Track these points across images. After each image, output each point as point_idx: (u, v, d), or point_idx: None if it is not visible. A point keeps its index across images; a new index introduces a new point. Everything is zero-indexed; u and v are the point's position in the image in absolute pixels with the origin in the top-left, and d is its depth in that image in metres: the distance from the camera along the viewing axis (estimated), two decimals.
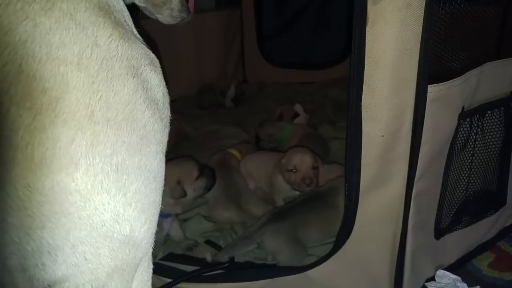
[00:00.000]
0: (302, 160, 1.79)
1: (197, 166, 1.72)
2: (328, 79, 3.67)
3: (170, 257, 1.71)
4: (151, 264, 0.81)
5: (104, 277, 0.66)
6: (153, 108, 0.71)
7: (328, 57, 3.79)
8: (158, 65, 0.80)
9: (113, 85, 0.64)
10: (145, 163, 0.69)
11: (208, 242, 1.79)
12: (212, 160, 2.15)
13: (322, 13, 3.74)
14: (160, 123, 0.73)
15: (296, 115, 2.78)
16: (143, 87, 0.70)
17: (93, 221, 0.63)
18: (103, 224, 0.64)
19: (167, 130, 0.77)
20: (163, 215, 1.57)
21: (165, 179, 1.57)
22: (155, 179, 0.72)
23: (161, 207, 1.57)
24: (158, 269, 1.51)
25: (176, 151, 2.47)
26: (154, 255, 1.62)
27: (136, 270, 0.73)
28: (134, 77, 0.68)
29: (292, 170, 1.80)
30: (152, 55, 0.78)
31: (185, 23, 1.11)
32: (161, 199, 0.77)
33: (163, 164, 0.76)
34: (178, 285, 1.51)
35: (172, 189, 1.60)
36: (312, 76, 3.82)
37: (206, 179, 1.75)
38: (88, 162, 0.61)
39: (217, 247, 1.75)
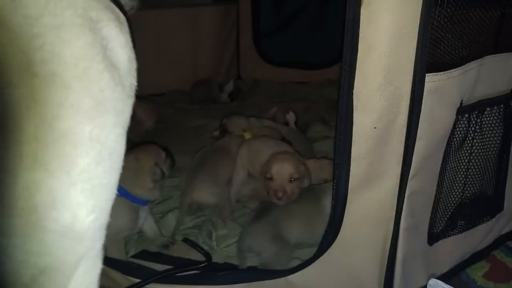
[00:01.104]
0: (279, 170, 1.62)
1: (160, 147, 1.71)
2: (324, 79, 3.62)
3: (144, 255, 1.61)
4: (99, 262, 0.67)
5: (28, 279, 0.54)
6: (113, 71, 0.61)
7: (324, 57, 3.72)
8: (126, 24, 0.69)
9: (62, 34, 0.54)
10: (99, 135, 0.57)
11: (186, 240, 1.68)
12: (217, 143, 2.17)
13: (320, 13, 3.68)
14: (122, 91, 0.62)
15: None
16: (102, 44, 0.59)
17: (19, 205, 0.52)
18: (34, 210, 0.53)
19: (130, 101, 0.66)
20: (141, 202, 1.53)
21: (141, 165, 1.53)
22: (110, 156, 0.60)
23: (141, 193, 1.51)
24: (126, 268, 1.42)
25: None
26: (125, 251, 1.56)
27: (75, 270, 0.61)
28: (91, 31, 0.57)
29: (269, 178, 1.65)
30: (120, 13, 0.68)
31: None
32: (117, 183, 0.65)
33: (123, 141, 0.64)
34: (149, 286, 1.40)
35: (152, 172, 1.55)
36: (308, 75, 3.75)
37: (170, 157, 1.74)
38: None
39: (196, 246, 1.64)
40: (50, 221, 0.55)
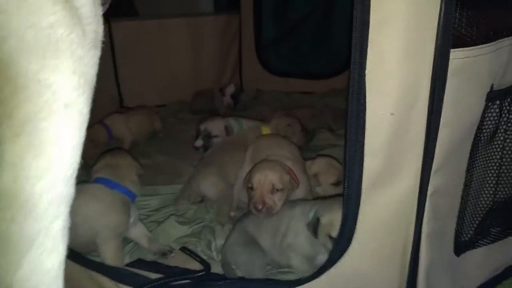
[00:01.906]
0: (260, 180, 1.47)
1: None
2: (328, 89, 3.52)
3: (139, 263, 1.49)
4: (62, 246, 0.55)
5: None
6: (70, 8, 0.50)
7: (328, 67, 3.64)
8: None
9: None
10: (49, 79, 0.47)
11: (184, 249, 1.55)
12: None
13: (323, 22, 3.62)
14: (82, 36, 0.52)
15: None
16: None
17: None
18: None
19: (94, 53, 0.55)
20: (130, 195, 1.55)
21: (129, 162, 1.58)
22: (66, 110, 0.49)
23: (129, 185, 1.54)
24: (118, 274, 1.33)
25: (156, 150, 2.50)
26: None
27: (26, 251, 0.50)
28: None
29: (250, 188, 1.50)
30: None
31: None
32: (79, 149, 0.53)
33: (86, 97, 0.53)
34: None
35: (137, 166, 1.64)
36: (312, 85, 3.65)
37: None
38: None
39: (194, 255, 1.51)
40: None
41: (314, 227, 1.30)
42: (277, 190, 1.46)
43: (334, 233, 1.22)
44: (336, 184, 1.79)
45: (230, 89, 3.23)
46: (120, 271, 1.37)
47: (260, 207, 1.42)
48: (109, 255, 1.42)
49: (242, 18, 3.64)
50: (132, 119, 2.58)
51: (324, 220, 1.28)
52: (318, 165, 1.81)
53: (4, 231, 0.48)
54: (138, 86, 3.34)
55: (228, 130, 2.21)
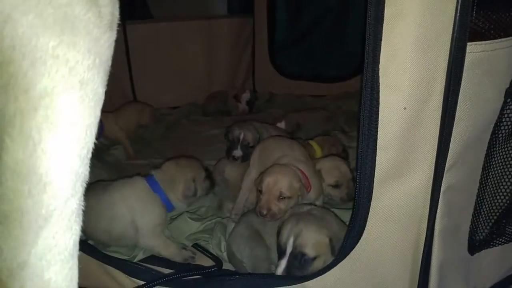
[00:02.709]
0: (269, 185, 1.45)
1: (203, 167, 1.70)
2: (341, 92, 3.52)
3: (152, 260, 1.49)
4: (77, 227, 0.56)
5: None
6: None
7: (341, 70, 3.64)
8: None
9: None
10: (66, 55, 0.48)
11: (196, 245, 1.56)
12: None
13: (337, 26, 3.62)
14: (99, 17, 0.53)
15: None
16: None
17: None
18: None
19: (110, 35, 0.56)
20: (169, 205, 1.57)
21: (179, 175, 1.57)
22: (81, 86, 0.50)
23: (172, 198, 1.55)
24: (132, 269, 1.35)
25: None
26: (133, 255, 1.46)
27: (41, 228, 0.51)
28: None
29: (259, 191, 1.49)
30: None
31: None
32: (95, 128, 0.55)
33: (101, 75, 0.54)
34: None
35: (187, 186, 1.57)
36: (324, 89, 3.65)
37: (210, 181, 1.71)
38: None
39: (206, 251, 1.53)
40: (4, 152, 0.46)
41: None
42: (284, 197, 1.44)
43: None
44: (335, 186, 1.76)
45: (246, 96, 3.24)
46: (133, 266, 1.39)
47: (264, 212, 1.42)
48: (162, 249, 1.48)
49: (256, 21, 3.67)
50: (120, 116, 2.54)
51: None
52: (322, 163, 1.80)
53: (21, 205, 0.49)
54: (152, 88, 3.37)
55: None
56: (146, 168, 2.12)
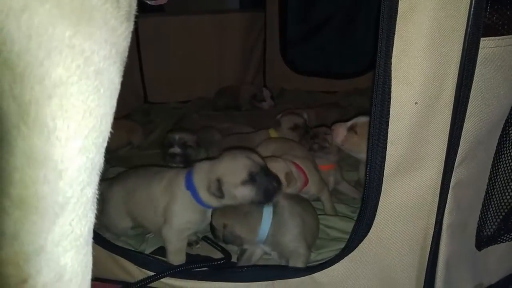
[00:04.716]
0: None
1: (248, 168, 1.29)
2: (352, 88, 3.50)
3: (161, 251, 1.49)
4: (92, 215, 0.58)
5: None
6: None
7: (353, 67, 3.62)
8: None
9: None
10: (82, 46, 0.49)
11: (206, 238, 1.57)
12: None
13: (348, 22, 3.60)
14: (117, 7, 0.54)
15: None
16: None
17: None
18: None
19: (127, 25, 0.57)
20: (201, 203, 1.35)
21: (209, 172, 1.33)
22: (97, 76, 0.51)
23: (203, 195, 1.33)
24: (142, 260, 1.36)
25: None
26: (141, 248, 1.49)
27: (58, 215, 0.52)
28: None
29: None
30: None
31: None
32: (111, 117, 0.56)
33: (117, 68, 0.55)
34: (164, 280, 1.29)
35: (208, 184, 1.30)
36: (336, 85, 3.64)
37: (257, 189, 1.28)
38: None
39: (215, 244, 1.54)
40: (20, 139, 0.46)
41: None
42: None
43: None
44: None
45: (267, 92, 3.23)
46: (143, 257, 1.40)
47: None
48: (171, 248, 1.38)
49: (268, 16, 3.66)
50: None
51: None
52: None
53: (37, 191, 0.49)
54: (163, 82, 3.39)
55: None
56: (155, 157, 2.17)
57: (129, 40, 0.58)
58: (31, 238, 0.51)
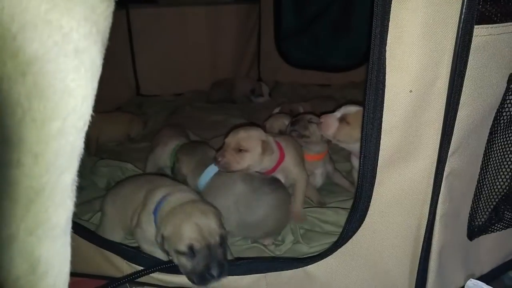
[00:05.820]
0: (229, 138, 1.54)
1: (189, 241, 1.17)
2: (346, 82, 3.50)
3: None
4: (70, 203, 0.54)
5: None
6: None
7: (347, 60, 3.62)
8: None
9: None
10: (59, 21, 0.46)
11: None
12: None
13: (343, 15, 3.58)
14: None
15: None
16: None
17: None
18: None
19: (108, 4, 0.52)
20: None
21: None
22: (76, 54, 0.48)
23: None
24: (130, 254, 1.33)
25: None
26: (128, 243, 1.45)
27: (31, 202, 0.49)
28: None
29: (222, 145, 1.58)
30: None
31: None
32: (92, 96, 0.52)
33: (98, 48, 0.52)
34: (154, 275, 1.27)
35: (157, 231, 1.26)
36: (330, 78, 3.64)
37: (192, 267, 1.17)
38: None
39: None
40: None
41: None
42: (241, 150, 1.49)
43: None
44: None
45: (266, 88, 3.23)
46: (133, 251, 1.36)
47: (219, 159, 1.49)
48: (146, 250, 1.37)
49: (262, 8, 3.64)
50: (105, 120, 2.45)
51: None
52: None
53: (11, 175, 0.47)
54: (156, 74, 3.36)
55: None
56: (146, 151, 2.14)
57: (110, 20, 0.54)
58: (1, 225, 0.48)
